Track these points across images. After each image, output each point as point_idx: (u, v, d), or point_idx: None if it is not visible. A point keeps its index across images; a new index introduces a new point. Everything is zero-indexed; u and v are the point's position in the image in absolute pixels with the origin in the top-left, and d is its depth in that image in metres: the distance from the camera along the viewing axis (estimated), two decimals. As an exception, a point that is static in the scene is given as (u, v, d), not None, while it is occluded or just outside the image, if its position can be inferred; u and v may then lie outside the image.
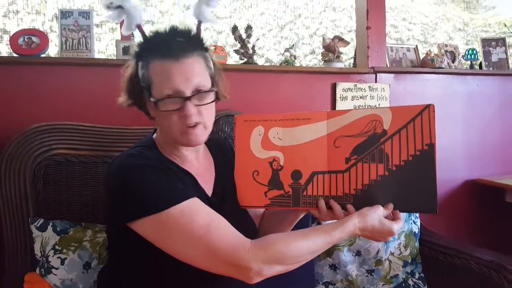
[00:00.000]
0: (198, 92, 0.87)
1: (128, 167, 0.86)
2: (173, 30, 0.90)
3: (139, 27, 0.93)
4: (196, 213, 0.82)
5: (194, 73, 0.87)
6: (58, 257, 1.16)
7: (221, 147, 1.10)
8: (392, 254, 1.50)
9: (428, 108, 0.85)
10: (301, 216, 1.04)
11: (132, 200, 0.83)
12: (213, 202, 0.94)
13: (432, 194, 0.84)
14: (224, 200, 0.98)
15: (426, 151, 0.84)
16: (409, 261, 1.51)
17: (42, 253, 1.17)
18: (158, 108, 0.87)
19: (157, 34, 0.90)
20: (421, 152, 0.84)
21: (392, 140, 0.86)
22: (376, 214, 0.85)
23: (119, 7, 0.89)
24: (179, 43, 0.88)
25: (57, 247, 1.17)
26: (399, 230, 0.88)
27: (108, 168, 0.94)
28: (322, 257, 1.46)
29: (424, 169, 0.84)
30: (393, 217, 0.89)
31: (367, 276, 1.48)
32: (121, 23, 0.96)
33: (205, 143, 0.99)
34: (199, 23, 0.95)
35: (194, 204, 0.83)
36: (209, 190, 0.97)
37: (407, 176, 0.85)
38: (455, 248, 1.46)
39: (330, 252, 1.45)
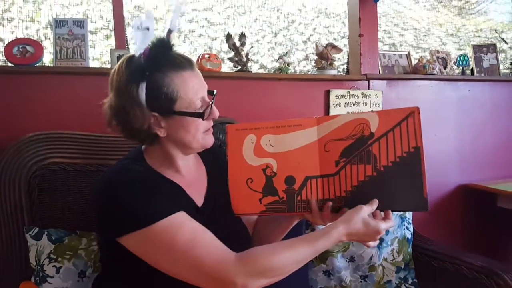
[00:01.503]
0: (212, 94, 0.94)
1: (113, 184, 0.86)
2: (165, 42, 0.90)
3: (146, 49, 0.89)
4: (180, 228, 0.82)
5: (203, 78, 0.95)
6: (53, 266, 1.17)
7: (215, 154, 1.10)
8: (385, 259, 1.51)
9: (413, 113, 0.87)
10: (295, 222, 1.05)
11: (117, 218, 0.84)
12: (203, 212, 0.95)
13: (420, 192, 0.85)
14: (216, 209, 0.99)
15: (412, 153, 0.86)
16: (402, 266, 1.53)
17: (37, 261, 1.18)
18: (185, 121, 0.89)
19: (158, 49, 0.88)
20: (408, 154, 0.86)
21: (379, 142, 0.88)
22: (359, 216, 0.85)
23: (147, 28, 0.89)
24: (180, 54, 0.92)
25: (52, 255, 1.17)
26: (387, 228, 0.88)
27: (95, 184, 0.95)
28: (316, 263, 1.47)
29: (412, 169, 0.86)
30: (384, 217, 0.89)
31: (360, 281, 1.49)
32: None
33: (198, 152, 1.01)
34: (170, 32, 0.94)
35: (178, 219, 0.83)
36: (199, 200, 0.98)
37: (396, 176, 0.87)
38: (447, 253, 1.48)
39: (324, 258, 1.46)
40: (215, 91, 0.96)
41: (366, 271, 1.49)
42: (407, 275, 1.53)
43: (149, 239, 0.82)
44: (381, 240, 1.49)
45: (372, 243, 0.88)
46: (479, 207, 2.19)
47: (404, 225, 1.56)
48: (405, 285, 1.52)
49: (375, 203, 0.88)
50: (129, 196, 0.84)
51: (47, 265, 1.16)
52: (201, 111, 0.90)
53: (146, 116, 0.87)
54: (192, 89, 0.89)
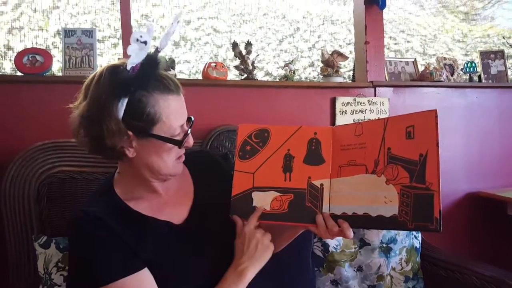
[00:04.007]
0: (190, 122, 0.91)
1: (75, 236, 0.87)
2: (154, 59, 0.84)
3: (138, 64, 0.84)
4: None
5: (185, 104, 0.91)
6: (61, 275, 1.17)
7: (205, 160, 1.08)
8: (393, 269, 1.50)
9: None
10: (300, 231, 1.02)
11: (71, 270, 0.88)
12: (183, 229, 0.93)
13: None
14: (204, 221, 0.95)
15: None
16: (411, 276, 1.51)
17: (45, 270, 1.18)
18: (159, 145, 0.86)
19: (148, 67, 0.83)
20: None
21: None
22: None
23: (144, 42, 0.84)
24: (169, 76, 0.88)
25: (60, 264, 1.18)
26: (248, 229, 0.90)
27: (69, 220, 0.97)
28: (323, 273, 1.46)
29: None
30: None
31: (368, 291, 1.48)
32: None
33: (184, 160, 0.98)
34: (157, 51, 0.90)
35: (129, 283, 0.82)
36: (180, 217, 0.95)
37: None
38: (457, 263, 1.46)
39: (331, 267, 1.45)
40: (192, 118, 0.92)
41: (374, 280, 1.47)
42: (416, 285, 1.52)
43: None
44: (389, 249, 1.47)
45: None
46: (489, 216, 2.16)
47: (413, 234, 1.55)
48: (413, 294, 1.50)
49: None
50: (84, 253, 0.84)
51: (55, 273, 1.17)
52: (178, 138, 0.87)
53: (121, 132, 0.81)
54: (174, 115, 0.86)
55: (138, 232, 0.87)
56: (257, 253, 0.89)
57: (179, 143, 0.87)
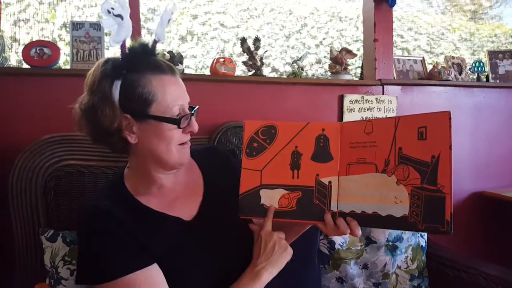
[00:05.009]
0: (193, 109, 0.89)
1: (84, 230, 0.86)
2: (148, 48, 0.87)
3: (124, 42, 0.87)
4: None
5: (185, 89, 0.90)
6: (67, 268, 1.17)
7: (214, 155, 1.07)
8: (399, 267, 1.49)
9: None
10: (308, 227, 1.01)
11: (81, 264, 0.87)
12: (192, 226, 0.92)
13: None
14: (214, 217, 0.94)
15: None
16: (416, 274, 1.51)
17: (52, 264, 1.18)
18: (159, 127, 0.84)
19: (139, 49, 0.85)
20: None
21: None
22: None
23: (119, 16, 0.87)
24: (162, 59, 0.88)
25: (66, 258, 1.18)
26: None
27: (78, 212, 0.95)
28: (329, 270, 1.46)
29: None
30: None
31: (374, 289, 1.47)
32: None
33: (193, 155, 0.98)
34: (155, 42, 0.91)
35: (137, 279, 0.81)
36: (190, 213, 0.94)
37: None
38: (462, 262, 1.46)
39: (337, 265, 1.45)
40: (197, 106, 0.91)
41: (380, 278, 1.47)
42: (421, 283, 1.51)
43: None
44: (395, 247, 1.47)
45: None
46: (494, 215, 2.15)
47: (419, 232, 1.54)
48: (418, 293, 1.50)
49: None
50: (94, 248, 0.83)
51: (62, 267, 1.17)
52: (172, 115, 0.84)
53: (117, 115, 0.82)
54: (170, 94, 0.84)
55: (148, 227, 0.87)
56: (275, 255, 0.88)
57: (177, 122, 0.84)
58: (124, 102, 0.82)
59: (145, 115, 0.83)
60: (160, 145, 0.85)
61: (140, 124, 0.84)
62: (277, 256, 0.88)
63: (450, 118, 0.81)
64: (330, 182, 0.90)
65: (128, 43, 0.89)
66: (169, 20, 0.95)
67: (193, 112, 0.89)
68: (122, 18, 0.87)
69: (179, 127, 0.85)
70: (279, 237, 0.90)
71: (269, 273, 0.87)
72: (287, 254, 0.90)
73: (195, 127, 0.89)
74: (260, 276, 0.86)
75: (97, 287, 0.82)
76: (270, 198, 0.92)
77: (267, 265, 0.87)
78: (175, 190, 0.94)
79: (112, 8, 0.85)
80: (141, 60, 0.85)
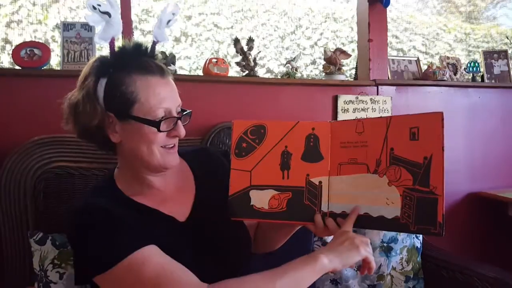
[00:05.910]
0: (183, 112, 0.87)
1: (76, 224, 0.83)
2: (141, 49, 0.86)
3: (112, 40, 0.87)
4: (144, 265, 0.77)
5: (177, 92, 0.88)
6: (56, 272, 1.15)
7: (206, 157, 1.05)
8: (394, 269, 1.48)
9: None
10: (298, 227, 1.00)
11: (82, 260, 0.84)
12: (186, 227, 0.90)
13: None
14: (209, 216, 0.93)
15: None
16: (411, 276, 1.50)
17: (41, 267, 1.16)
18: (141, 129, 0.82)
19: (130, 49, 0.85)
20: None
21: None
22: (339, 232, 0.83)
23: (106, 13, 0.85)
24: (154, 60, 0.86)
25: (56, 261, 1.16)
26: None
27: (68, 213, 0.93)
28: (323, 272, 1.44)
29: None
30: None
31: (368, 291, 1.46)
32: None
33: (184, 157, 0.97)
34: (154, 43, 0.91)
35: (142, 256, 0.78)
36: (183, 214, 0.92)
37: None
38: (458, 263, 1.45)
39: (331, 267, 1.44)
40: (188, 111, 0.88)
41: (374, 280, 1.46)
42: (416, 285, 1.50)
43: (114, 280, 0.78)
44: (390, 249, 1.46)
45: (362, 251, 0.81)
46: (490, 216, 2.15)
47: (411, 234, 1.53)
48: (414, 295, 1.49)
49: (356, 210, 0.84)
50: (92, 238, 0.80)
51: (51, 271, 1.15)
52: (155, 118, 0.82)
53: (97, 113, 0.82)
54: (155, 96, 0.82)
55: (144, 222, 0.85)
56: (341, 247, 0.80)
57: (156, 125, 0.82)
58: (108, 101, 0.82)
59: (127, 115, 0.83)
60: (141, 146, 0.84)
61: (123, 123, 0.84)
62: (343, 248, 0.80)
63: (442, 119, 0.81)
64: (320, 182, 0.88)
65: (121, 42, 0.88)
66: (169, 21, 0.94)
67: (180, 116, 0.86)
68: (109, 15, 0.86)
69: (158, 131, 0.83)
70: (355, 236, 0.82)
71: (329, 260, 0.79)
72: (356, 252, 0.80)
73: (181, 132, 0.86)
74: (316, 258, 0.79)
75: (108, 275, 0.78)
76: (260, 199, 0.90)
77: (327, 252, 0.80)
78: (165, 191, 0.92)
79: (99, 5, 0.85)
80: (130, 60, 0.84)
